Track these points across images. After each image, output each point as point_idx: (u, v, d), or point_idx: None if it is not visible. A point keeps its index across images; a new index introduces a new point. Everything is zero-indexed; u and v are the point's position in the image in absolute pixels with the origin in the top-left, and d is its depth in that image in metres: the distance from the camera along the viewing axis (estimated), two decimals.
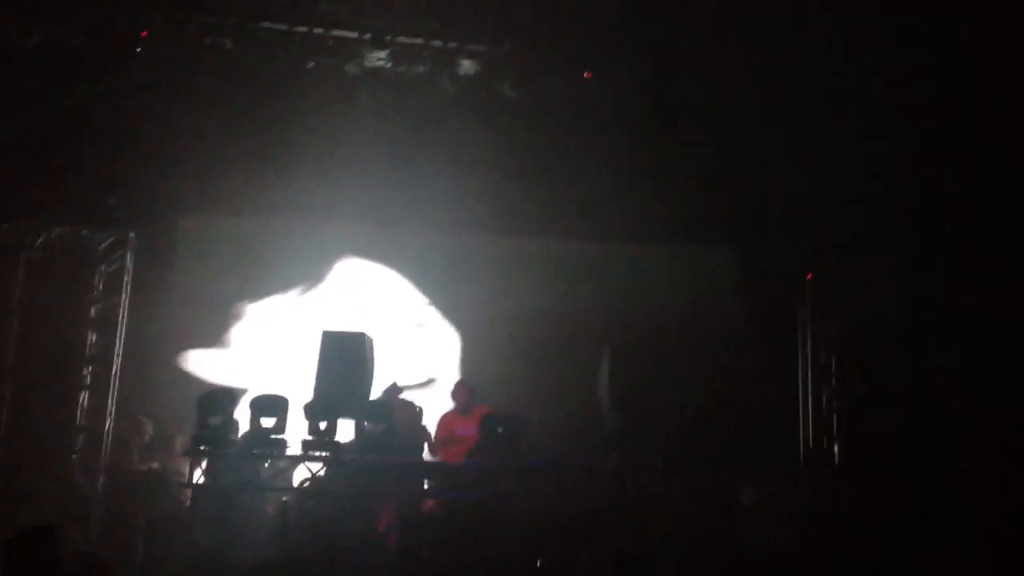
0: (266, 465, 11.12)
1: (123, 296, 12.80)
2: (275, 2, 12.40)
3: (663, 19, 11.78)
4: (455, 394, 12.18)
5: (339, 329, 11.50)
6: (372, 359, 11.38)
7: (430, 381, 13.67)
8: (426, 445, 11.85)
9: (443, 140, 13.07)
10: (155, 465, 12.25)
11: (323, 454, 10.91)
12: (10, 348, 12.16)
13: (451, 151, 13.07)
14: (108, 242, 12.80)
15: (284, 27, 12.42)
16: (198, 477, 11.00)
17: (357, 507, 10.87)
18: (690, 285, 14.04)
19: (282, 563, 9.87)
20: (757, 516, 11.07)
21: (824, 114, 12.52)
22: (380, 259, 13.91)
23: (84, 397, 12.32)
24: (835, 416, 13.04)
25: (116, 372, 12.60)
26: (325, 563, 9.95)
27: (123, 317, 12.76)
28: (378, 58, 12.44)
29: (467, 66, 12.47)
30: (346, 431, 11.05)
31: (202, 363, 13.28)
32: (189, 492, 11.15)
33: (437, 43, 12.36)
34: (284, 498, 10.88)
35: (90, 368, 12.45)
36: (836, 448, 12.92)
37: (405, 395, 12.32)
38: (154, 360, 13.04)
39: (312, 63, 12.55)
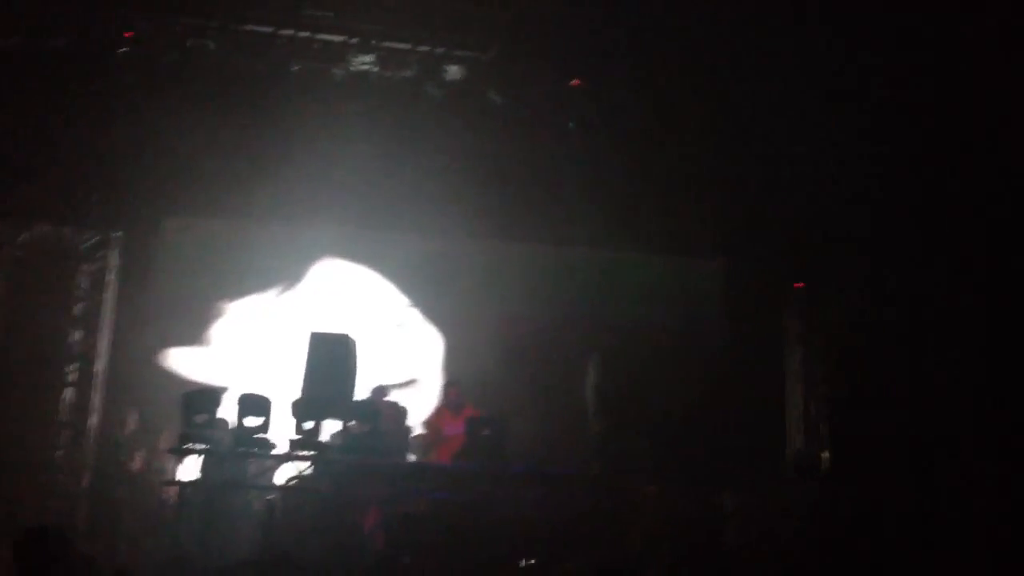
0: (251, 464, 11.20)
1: (106, 295, 12.82)
2: (260, 5, 12.42)
3: (651, 27, 11.86)
4: (445, 394, 12.28)
5: (325, 330, 11.59)
6: (356, 360, 11.49)
7: (412, 382, 13.77)
8: (410, 446, 11.95)
9: (429, 145, 13.14)
10: (140, 463, 12.30)
11: (308, 454, 11.01)
12: None
13: (437, 156, 13.14)
14: (92, 241, 12.82)
15: (269, 30, 12.43)
16: (183, 475, 11.08)
17: (342, 507, 10.94)
18: (677, 292, 14.17)
19: (266, 562, 9.95)
20: (742, 523, 11.21)
21: (814, 122, 12.66)
22: (364, 262, 13.98)
23: (68, 395, 12.32)
24: (822, 423, 13.17)
25: (100, 370, 12.62)
26: (309, 563, 10.02)
27: (106, 315, 12.78)
28: (364, 62, 12.50)
29: (453, 72, 12.56)
30: (331, 431, 11.15)
31: (186, 362, 13.31)
32: (173, 490, 11.21)
33: (424, 48, 12.43)
34: (269, 497, 10.94)
35: (74, 366, 12.46)
36: (824, 455, 13.04)
37: (390, 396, 12.42)
38: (138, 358, 13.08)
39: (297, 66, 12.60)
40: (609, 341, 13.40)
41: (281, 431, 11.06)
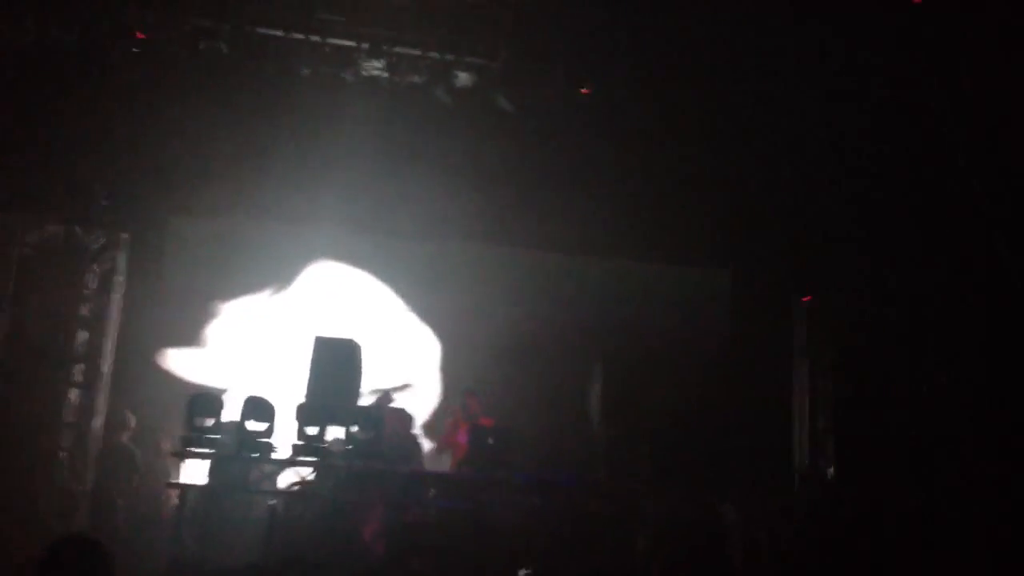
0: (254, 468, 11.20)
1: (114, 295, 12.83)
2: (272, 8, 12.44)
3: (659, 34, 11.86)
4: (464, 403, 12.22)
5: (331, 335, 11.59)
6: (362, 365, 11.50)
7: (416, 387, 13.77)
8: (416, 453, 11.94)
9: (438, 150, 13.15)
10: (143, 465, 12.32)
11: (312, 459, 11.01)
12: (0, 344, 12.15)
13: (445, 161, 13.14)
14: (101, 242, 12.80)
15: (281, 33, 12.45)
16: (186, 478, 11.09)
17: (345, 512, 10.95)
18: (682, 300, 14.15)
19: (268, 567, 9.94)
20: (745, 531, 11.17)
21: (821, 130, 12.65)
22: (372, 266, 14.00)
23: (73, 395, 12.32)
24: (827, 431, 13.09)
25: (106, 371, 12.63)
26: (311, 568, 10.01)
27: (114, 316, 12.79)
28: (374, 67, 12.51)
29: (463, 78, 12.55)
30: (336, 436, 11.15)
31: (192, 364, 13.34)
32: (177, 493, 11.21)
33: (434, 54, 12.44)
34: (272, 501, 10.94)
35: (79, 366, 12.46)
36: (828, 463, 12.99)
37: (394, 402, 12.41)
38: (144, 360, 13.12)
39: (308, 70, 12.62)
40: (614, 348, 13.38)
41: (285, 435, 11.09)
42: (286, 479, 11.48)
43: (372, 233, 13.91)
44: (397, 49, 12.41)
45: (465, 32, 12.31)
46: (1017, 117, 11.99)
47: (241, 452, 10.99)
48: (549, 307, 13.97)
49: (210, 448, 10.94)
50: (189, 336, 13.45)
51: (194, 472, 11.14)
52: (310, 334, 11.56)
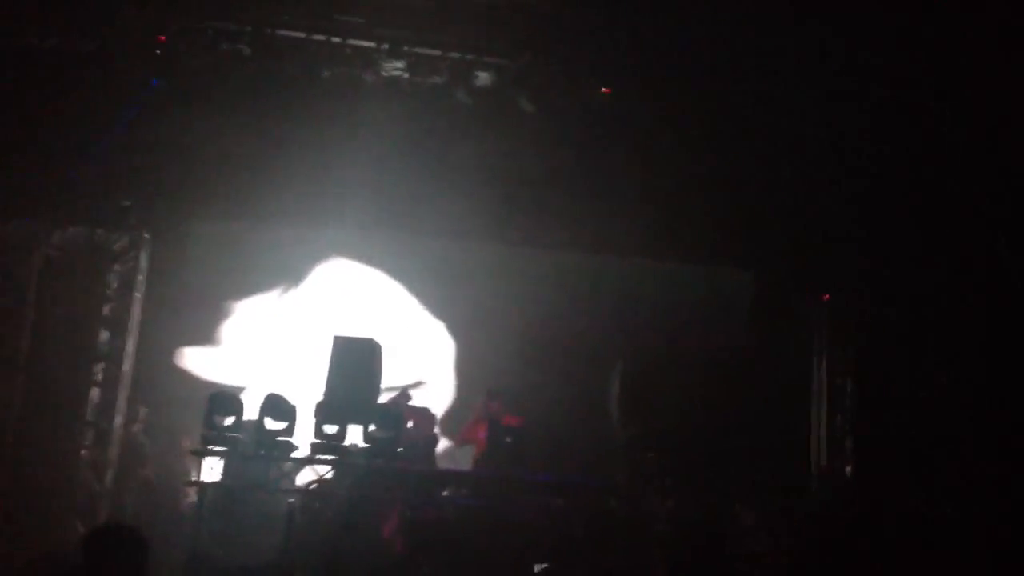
0: (273, 467, 11.22)
1: (136, 295, 12.91)
2: (293, 10, 12.48)
3: (682, 35, 11.83)
4: (487, 405, 12.19)
5: (350, 334, 11.61)
6: (381, 365, 11.50)
7: (420, 383, 13.77)
8: (435, 452, 11.93)
9: (459, 151, 13.14)
10: (163, 464, 12.37)
11: (331, 457, 11.03)
12: (23, 344, 12.22)
13: (466, 162, 13.14)
14: (122, 242, 12.89)
15: (302, 35, 12.46)
16: (205, 476, 11.11)
17: (363, 511, 10.95)
18: (703, 302, 14.09)
19: (287, 565, 9.97)
20: (762, 535, 11.12)
21: (845, 131, 12.60)
22: (391, 266, 14.02)
23: (94, 394, 12.39)
24: (847, 436, 13.04)
25: (126, 370, 12.69)
26: (330, 566, 10.03)
27: (135, 316, 12.87)
28: (395, 68, 12.49)
29: (484, 78, 12.53)
30: (354, 435, 11.15)
31: (212, 363, 13.39)
32: (196, 491, 11.26)
33: (454, 55, 12.42)
34: (291, 500, 10.96)
35: (101, 366, 12.53)
36: (847, 468, 12.92)
37: (414, 401, 12.41)
38: (165, 359, 13.19)
39: (329, 72, 12.62)
40: (632, 349, 13.35)
41: (304, 434, 11.10)
42: (305, 478, 11.48)
43: (392, 233, 13.93)
44: (417, 50, 12.38)
45: (485, 32, 12.29)
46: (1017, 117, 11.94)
47: (260, 451, 11.03)
48: (568, 307, 13.91)
49: (229, 447, 10.98)
50: (209, 335, 13.52)
51: (213, 470, 11.15)
52: (330, 333, 11.57)
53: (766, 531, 11.11)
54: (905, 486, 12.04)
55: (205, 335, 13.51)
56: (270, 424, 10.96)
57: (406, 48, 12.40)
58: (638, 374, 12.59)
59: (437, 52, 12.45)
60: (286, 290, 13.81)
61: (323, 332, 11.86)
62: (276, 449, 11.01)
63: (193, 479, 11.45)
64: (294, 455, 11.07)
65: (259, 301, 13.74)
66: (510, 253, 14.19)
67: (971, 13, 11.11)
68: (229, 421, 10.94)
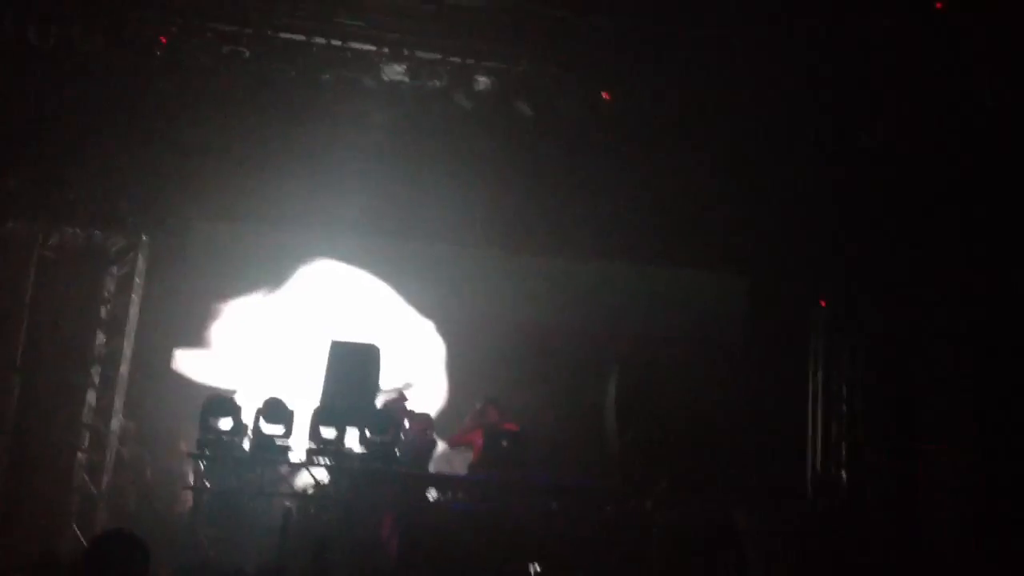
0: (270, 471, 11.20)
1: (133, 298, 12.88)
2: (294, 13, 12.45)
3: (681, 40, 11.82)
4: (484, 411, 12.14)
5: (348, 339, 11.60)
6: (379, 369, 11.48)
7: (413, 387, 13.74)
8: (433, 457, 11.90)
9: (458, 154, 13.12)
10: (160, 467, 12.34)
11: (327, 461, 11.01)
12: (19, 346, 12.19)
13: (465, 166, 13.13)
14: (120, 244, 12.86)
15: (302, 38, 12.43)
16: (202, 480, 11.09)
17: (360, 515, 10.93)
18: (700, 306, 14.08)
19: (282, 569, 9.93)
20: (758, 538, 11.11)
21: (844, 136, 12.59)
22: (389, 270, 13.99)
23: (91, 397, 12.35)
24: (842, 441, 13.03)
25: (123, 373, 12.66)
26: (325, 570, 10.00)
27: (132, 319, 12.83)
28: (395, 72, 12.47)
29: (483, 82, 12.50)
30: (351, 439, 11.13)
31: (209, 367, 13.35)
32: (192, 495, 11.24)
33: (454, 59, 12.39)
34: (287, 504, 10.95)
35: (98, 368, 12.50)
36: (843, 474, 12.90)
37: (410, 405, 12.37)
38: (162, 362, 13.16)
39: (329, 75, 12.59)
40: (630, 354, 13.33)
41: (302, 438, 11.08)
42: (301, 482, 11.46)
43: (390, 237, 13.91)
44: (418, 53, 12.36)
45: (486, 37, 12.27)
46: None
47: (257, 454, 11.01)
48: (565, 312, 13.90)
49: (225, 450, 10.96)
50: (206, 338, 13.48)
51: (210, 474, 11.13)
52: (327, 337, 11.56)
53: (762, 535, 11.10)
54: (899, 491, 12.04)
55: (202, 338, 13.47)
56: (268, 428, 10.95)
57: (406, 52, 12.36)
58: (634, 378, 12.56)
59: (437, 56, 12.40)
60: (284, 293, 13.78)
61: (320, 336, 11.85)
62: (274, 453, 10.99)
63: (190, 483, 11.43)
64: (292, 459, 11.06)
65: (257, 304, 13.70)
66: (507, 257, 14.14)
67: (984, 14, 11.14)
68: (225, 424, 10.94)
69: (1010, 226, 12.16)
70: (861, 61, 11.91)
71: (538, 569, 10.07)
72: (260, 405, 11.11)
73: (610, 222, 13.53)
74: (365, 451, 11.04)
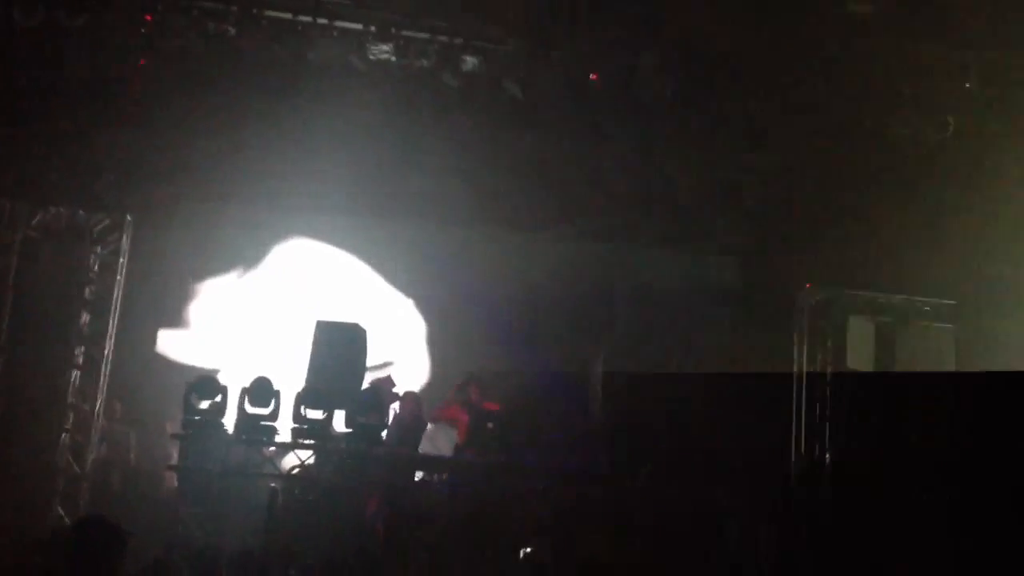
0: (256, 452, 11.17)
1: (118, 278, 12.78)
2: None
3: (669, 22, 11.80)
4: (465, 390, 12.10)
5: (333, 319, 11.55)
6: (365, 350, 11.44)
7: (419, 372, 13.73)
8: (420, 438, 11.85)
9: (444, 134, 13.11)
10: (144, 448, 12.29)
11: (313, 442, 10.97)
12: (2, 327, 12.09)
13: (452, 146, 13.12)
14: (104, 224, 12.73)
15: (288, 16, 12.37)
16: (186, 461, 11.05)
17: (345, 495, 10.91)
18: (686, 290, 14.09)
19: (267, 549, 9.90)
20: (742, 522, 11.12)
21: (831, 120, 12.59)
22: (377, 251, 14.00)
23: (76, 377, 12.27)
24: (828, 427, 13.02)
25: (107, 353, 12.57)
26: (312, 550, 9.97)
27: (117, 299, 12.74)
28: (382, 51, 12.41)
29: (470, 62, 12.45)
30: (338, 420, 11.09)
31: (194, 347, 13.32)
32: (176, 476, 11.20)
33: (442, 38, 12.34)
34: (273, 484, 10.91)
35: (82, 348, 12.41)
36: (827, 461, 12.90)
37: (398, 387, 12.33)
38: (147, 343, 13.12)
39: (315, 54, 12.52)
40: (616, 335, 13.33)
41: (287, 419, 11.04)
42: (287, 462, 11.42)
43: (375, 216, 13.87)
44: (405, 33, 12.30)
45: (473, 16, 12.22)
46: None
47: (242, 435, 10.97)
48: (552, 293, 13.89)
49: (210, 431, 10.92)
50: (192, 319, 13.45)
51: (194, 455, 11.07)
52: (312, 317, 11.52)
53: (747, 520, 11.11)
54: (883, 472, 12.06)
55: (187, 318, 13.43)
56: (253, 409, 10.91)
57: (393, 31, 12.31)
58: (620, 360, 12.54)
59: (425, 35, 12.37)
60: (269, 273, 13.75)
61: (306, 316, 11.81)
62: (259, 434, 10.96)
63: (174, 463, 11.39)
64: (277, 440, 11.02)
65: (243, 284, 13.67)
66: (495, 237, 14.15)
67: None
68: (211, 406, 10.90)
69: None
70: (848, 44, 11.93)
71: (528, 551, 10.07)
72: (245, 385, 11.07)
73: (597, 202, 13.53)
74: (351, 432, 10.99)
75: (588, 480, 11.19)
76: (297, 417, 10.88)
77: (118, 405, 12.55)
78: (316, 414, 10.97)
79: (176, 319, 13.41)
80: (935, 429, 12.30)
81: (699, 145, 13.12)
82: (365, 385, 11.55)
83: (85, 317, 12.44)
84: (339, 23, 12.33)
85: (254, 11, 12.27)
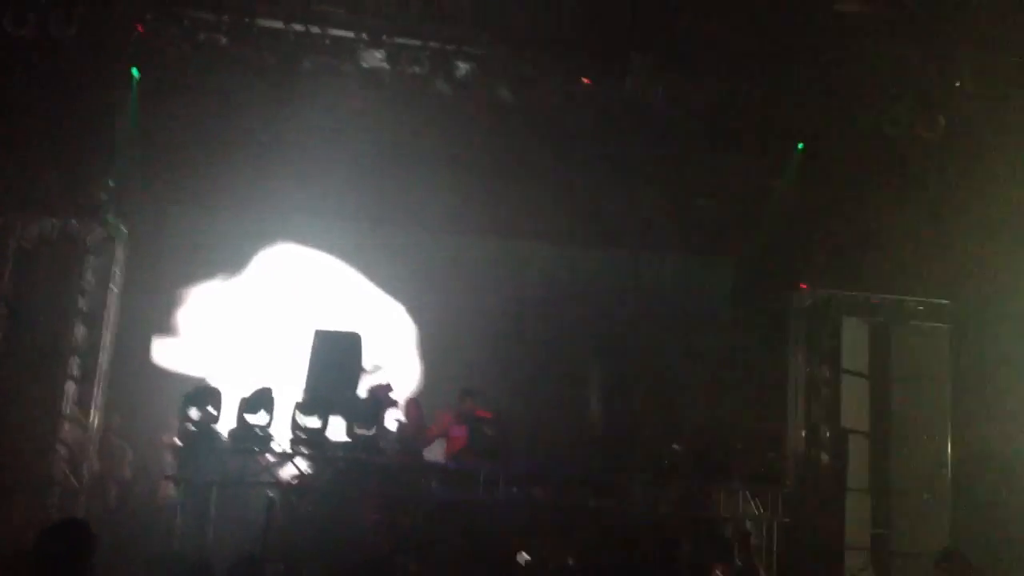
0: (253, 461, 11.13)
1: (112, 288, 12.77)
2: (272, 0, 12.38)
3: (661, 26, 11.81)
4: (460, 402, 12.05)
5: (331, 328, 11.54)
6: (362, 358, 11.43)
7: (415, 380, 13.72)
8: (417, 447, 11.83)
9: (438, 141, 13.09)
10: (140, 458, 12.25)
11: (311, 452, 10.94)
12: None
13: (445, 152, 13.10)
14: (97, 234, 12.73)
15: (280, 25, 12.35)
16: (182, 471, 11.01)
17: (342, 504, 10.88)
18: (681, 292, 14.11)
19: (265, 559, 9.87)
20: (740, 521, 11.13)
21: (826, 121, 12.61)
22: (372, 258, 13.99)
23: (71, 388, 12.25)
24: (823, 425, 13.06)
25: (102, 364, 12.56)
26: (308, 560, 9.96)
27: (111, 310, 12.72)
28: (375, 58, 12.41)
29: (463, 68, 12.45)
30: (335, 429, 11.07)
31: (189, 357, 13.29)
32: (173, 486, 11.16)
33: (434, 45, 12.33)
34: (270, 494, 10.88)
35: (77, 360, 12.39)
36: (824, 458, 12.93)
37: (394, 395, 12.30)
38: (142, 353, 13.10)
39: (308, 62, 12.51)
40: (613, 341, 13.34)
41: (284, 428, 11.01)
42: (285, 472, 11.39)
43: (368, 224, 13.87)
44: (397, 40, 12.30)
45: (466, 22, 12.22)
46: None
47: (239, 445, 10.94)
48: (547, 298, 13.94)
49: (207, 441, 10.88)
50: (186, 329, 13.42)
51: (191, 465, 11.04)
52: (310, 326, 11.50)
53: (744, 519, 11.12)
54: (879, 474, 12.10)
55: (182, 328, 13.40)
56: (250, 418, 10.88)
57: (385, 38, 12.30)
58: (617, 364, 12.55)
59: (417, 42, 12.36)
60: (264, 282, 13.72)
61: (302, 325, 11.79)
62: (256, 443, 10.92)
63: (171, 473, 11.35)
64: (274, 449, 10.99)
65: (237, 294, 13.64)
66: (488, 244, 14.18)
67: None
68: (207, 415, 10.86)
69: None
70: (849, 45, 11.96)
71: (527, 558, 10.05)
72: (242, 394, 11.04)
73: (591, 208, 13.56)
74: (349, 440, 10.96)
75: (584, 484, 11.17)
76: (295, 426, 10.84)
77: (114, 416, 12.53)
78: (314, 422, 10.93)
79: (171, 329, 13.38)
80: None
81: (693, 148, 13.14)
82: (364, 393, 11.53)
83: (80, 328, 12.43)
84: (331, 31, 12.32)
85: (246, 20, 12.23)
